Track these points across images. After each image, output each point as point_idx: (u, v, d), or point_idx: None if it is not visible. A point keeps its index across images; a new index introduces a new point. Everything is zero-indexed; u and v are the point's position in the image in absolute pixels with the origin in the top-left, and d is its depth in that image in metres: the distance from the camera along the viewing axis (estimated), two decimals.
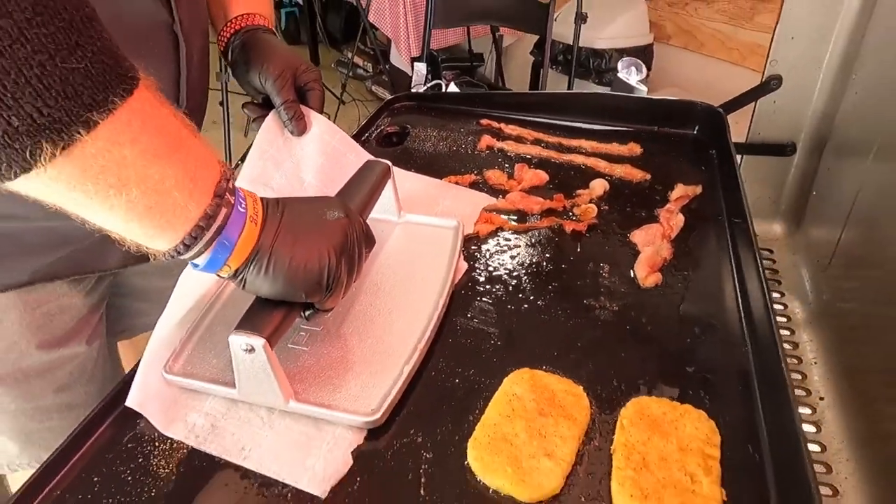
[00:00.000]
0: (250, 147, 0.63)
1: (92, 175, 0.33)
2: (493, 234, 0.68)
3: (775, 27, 0.83)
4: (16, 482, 0.87)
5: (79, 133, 0.32)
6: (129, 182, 0.34)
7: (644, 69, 1.08)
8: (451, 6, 1.93)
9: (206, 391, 0.48)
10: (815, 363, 0.73)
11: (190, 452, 0.44)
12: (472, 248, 0.66)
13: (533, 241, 0.67)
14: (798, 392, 0.69)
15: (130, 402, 0.46)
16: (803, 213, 0.92)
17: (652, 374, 0.49)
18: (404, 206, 0.67)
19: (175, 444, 0.45)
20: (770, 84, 0.86)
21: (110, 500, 0.41)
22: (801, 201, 0.92)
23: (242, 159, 2.14)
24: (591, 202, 0.73)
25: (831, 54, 0.82)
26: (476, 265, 0.63)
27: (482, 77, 2.82)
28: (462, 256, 0.63)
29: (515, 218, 0.71)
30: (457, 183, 0.77)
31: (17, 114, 0.30)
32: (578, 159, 0.82)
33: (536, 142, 0.87)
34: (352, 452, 0.44)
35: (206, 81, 0.69)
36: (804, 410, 0.67)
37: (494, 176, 0.78)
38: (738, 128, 0.93)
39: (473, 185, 0.77)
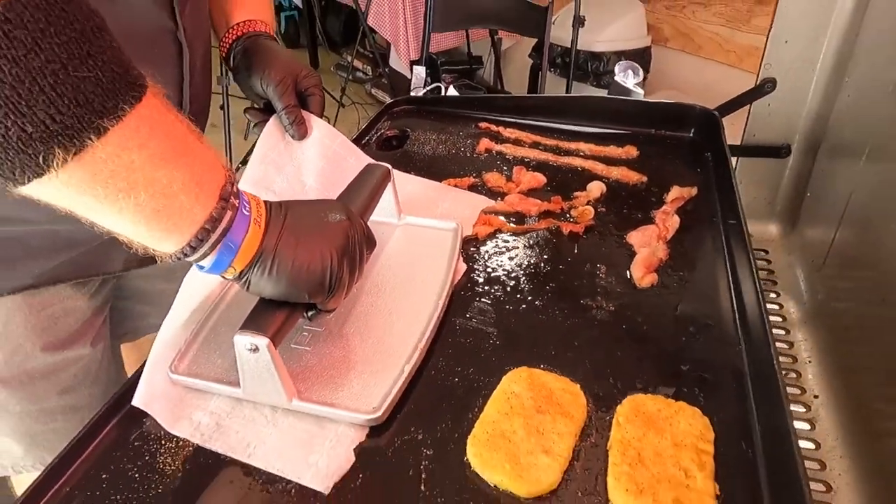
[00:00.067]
0: (251, 150, 0.64)
1: (102, 179, 0.34)
2: (492, 235, 0.69)
3: (769, 30, 0.85)
4: (20, 484, 0.87)
5: (90, 139, 0.33)
6: (137, 186, 0.36)
7: (641, 72, 1.09)
8: (450, 10, 1.94)
9: (210, 390, 0.49)
10: (810, 362, 0.74)
11: (195, 450, 0.45)
12: (471, 249, 0.67)
13: (531, 242, 0.68)
14: (793, 390, 0.70)
15: (137, 401, 0.47)
16: (798, 214, 0.93)
17: (647, 373, 0.50)
18: (404, 208, 0.68)
19: (181, 442, 0.46)
20: (764, 87, 0.87)
21: (118, 497, 0.42)
22: (795, 202, 0.93)
23: (243, 162, 2.15)
24: (588, 204, 0.74)
25: (824, 57, 0.83)
26: (475, 266, 0.64)
27: (481, 80, 2.84)
28: (461, 258, 0.64)
29: (514, 220, 0.72)
30: (456, 185, 0.78)
31: (31, 121, 0.31)
32: (576, 162, 0.83)
33: (534, 145, 0.88)
34: (354, 449, 0.45)
35: (208, 86, 0.70)
36: (799, 409, 0.68)
37: (493, 178, 0.80)
38: (734, 130, 0.94)
39: (472, 188, 0.78)
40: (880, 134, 0.71)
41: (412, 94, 1.72)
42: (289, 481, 0.43)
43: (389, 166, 0.63)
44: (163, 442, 0.46)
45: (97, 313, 0.70)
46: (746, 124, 0.93)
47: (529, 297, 0.60)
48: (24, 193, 0.34)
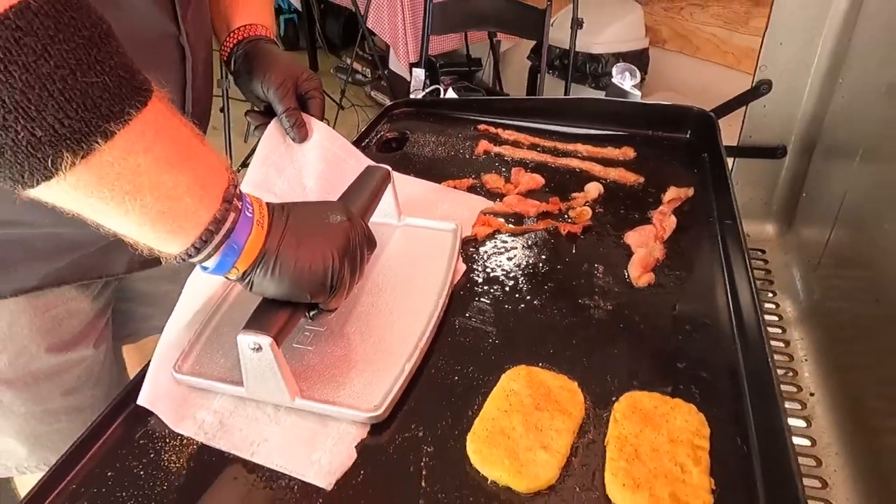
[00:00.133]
0: (251, 153, 0.65)
1: (108, 182, 0.35)
2: (491, 236, 0.70)
3: (764, 33, 0.86)
4: (23, 486, 0.88)
5: (97, 142, 0.33)
6: (143, 188, 0.36)
7: (638, 74, 1.10)
8: (448, 12, 1.95)
9: (214, 389, 0.50)
10: (806, 360, 0.75)
11: (200, 448, 0.46)
12: (471, 250, 0.68)
13: (529, 242, 0.69)
14: (789, 388, 0.71)
15: (142, 400, 0.48)
16: (794, 215, 0.94)
17: (644, 370, 0.51)
18: (404, 209, 0.69)
19: (185, 441, 0.47)
20: (760, 88, 0.88)
21: (124, 494, 0.43)
22: (791, 203, 0.94)
23: (244, 165, 2.16)
24: (585, 205, 0.74)
25: (819, 59, 0.84)
26: (474, 266, 0.65)
27: (480, 82, 2.85)
28: (461, 258, 0.65)
29: (512, 220, 0.73)
30: (455, 187, 0.79)
31: (40, 125, 0.32)
32: (574, 163, 0.84)
33: (533, 146, 0.89)
34: (356, 446, 0.45)
35: (210, 90, 0.71)
36: (795, 406, 0.69)
37: (492, 180, 0.80)
38: (732, 131, 0.95)
39: (471, 189, 0.79)
40: (873, 135, 0.72)
41: (411, 96, 1.72)
42: (292, 478, 0.43)
43: (389, 168, 0.64)
44: (167, 440, 0.47)
45: (100, 315, 0.71)
46: (743, 125, 0.94)
47: (528, 297, 0.60)
48: (32, 196, 0.35)
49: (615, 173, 0.81)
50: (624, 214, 0.73)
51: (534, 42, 2.17)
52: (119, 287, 0.76)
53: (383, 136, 0.93)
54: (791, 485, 0.39)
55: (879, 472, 0.59)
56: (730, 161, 0.94)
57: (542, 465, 0.43)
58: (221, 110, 2.21)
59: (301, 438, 0.46)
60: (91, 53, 0.33)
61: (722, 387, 0.50)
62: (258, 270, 0.44)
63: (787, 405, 0.69)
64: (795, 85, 0.87)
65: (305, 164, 0.67)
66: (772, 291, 0.86)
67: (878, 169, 0.70)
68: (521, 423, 0.46)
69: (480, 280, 0.63)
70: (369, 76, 3.06)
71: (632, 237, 0.68)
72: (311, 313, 0.49)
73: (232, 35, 0.68)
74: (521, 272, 0.64)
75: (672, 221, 0.70)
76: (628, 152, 0.85)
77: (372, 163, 0.66)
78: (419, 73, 1.89)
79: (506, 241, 0.69)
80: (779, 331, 0.80)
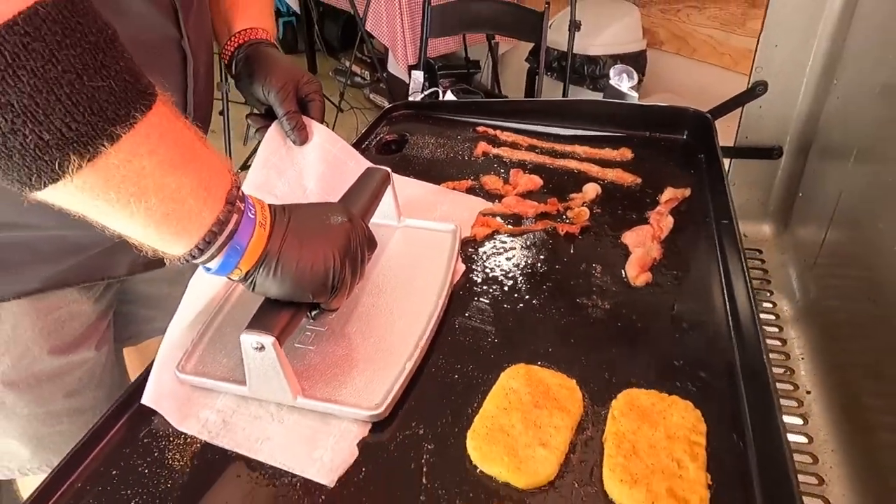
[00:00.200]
0: (251, 156, 0.66)
1: (114, 184, 0.36)
2: (490, 237, 0.71)
3: (759, 34, 0.86)
4: (26, 488, 0.88)
5: (103, 145, 0.34)
6: (147, 190, 0.37)
7: (635, 76, 1.10)
8: (447, 15, 1.96)
9: (217, 389, 0.50)
10: (803, 359, 0.75)
11: (203, 446, 0.47)
12: (470, 250, 0.68)
13: (528, 243, 0.70)
14: (786, 386, 0.72)
15: (146, 399, 0.48)
16: (790, 215, 0.94)
17: (642, 368, 0.52)
18: (404, 211, 0.69)
19: (189, 439, 0.47)
20: (756, 89, 0.89)
21: (129, 492, 0.43)
22: (788, 203, 0.95)
23: (243, 167, 2.16)
24: (583, 205, 0.75)
25: (813, 60, 0.85)
26: (473, 267, 0.66)
27: (479, 84, 2.86)
28: (460, 259, 0.65)
29: (511, 221, 0.74)
30: (454, 188, 0.80)
31: (47, 128, 0.32)
32: (571, 164, 0.85)
33: (531, 148, 0.90)
34: (357, 444, 0.46)
35: (211, 93, 0.71)
36: (792, 404, 0.70)
37: (490, 181, 0.81)
38: (730, 132, 0.96)
39: (470, 191, 0.80)
40: (867, 136, 0.73)
41: (410, 98, 1.73)
42: (294, 476, 0.44)
43: (389, 170, 0.64)
44: (171, 439, 0.47)
45: (102, 317, 0.72)
46: (739, 126, 0.95)
47: (527, 297, 0.61)
48: (39, 198, 0.36)
49: (613, 174, 0.81)
50: (621, 215, 0.74)
51: (532, 44, 2.18)
52: (121, 289, 0.77)
53: (382, 139, 0.94)
54: (786, 480, 0.39)
55: (875, 468, 0.59)
56: (726, 162, 0.95)
57: (541, 462, 0.43)
58: (221, 113, 2.21)
59: (303, 437, 0.47)
60: (97, 58, 0.33)
61: (718, 384, 0.51)
62: (261, 271, 0.44)
63: (784, 403, 0.70)
64: (791, 86, 0.88)
65: (306, 166, 0.68)
66: (769, 291, 0.87)
67: (873, 169, 0.71)
68: (520, 420, 0.46)
69: (480, 280, 0.64)
70: (368, 79, 3.07)
71: (629, 237, 0.69)
72: (313, 313, 0.49)
73: (233, 38, 0.69)
74: (519, 272, 0.65)
75: (669, 221, 0.71)
76: (626, 153, 0.86)
77: (372, 165, 0.66)
78: (418, 76, 1.89)
79: (504, 242, 0.70)
80: (776, 329, 0.81)
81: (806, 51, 0.85)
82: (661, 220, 0.71)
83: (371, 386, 0.49)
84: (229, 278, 0.45)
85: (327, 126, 0.70)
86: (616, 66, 1.12)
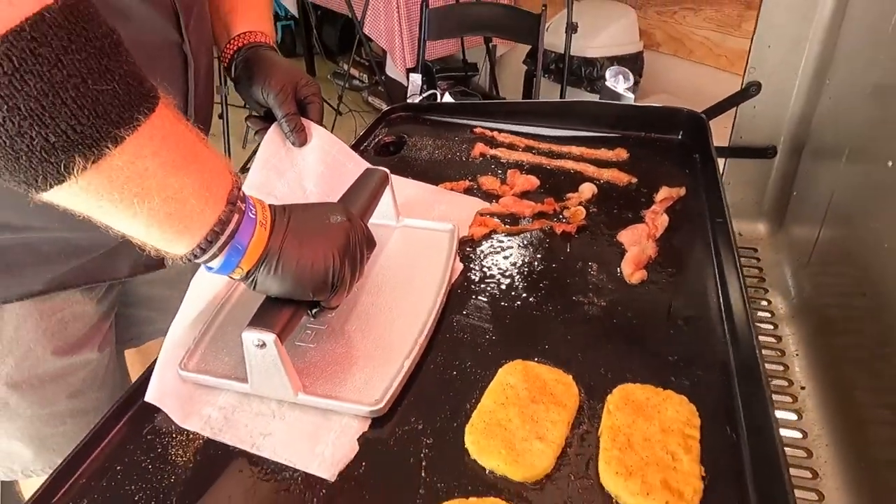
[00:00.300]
0: (250, 157, 0.67)
1: (118, 185, 0.37)
2: (487, 236, 0.72)
3: (753, 35, 0.87)
4: (28, 489, 0.89)
5: (108, 147, 0.35)
6: (151, 191, 0.38)
7: (631, 77, 1.12)
8: (444, 18, 1.97)
9: (219, 386, 0.51)
10: (797, 355, 0.76)
11: (206, 442, 0.47)
12: (468, 249, 0.69)
13: (525, 242, 0.71)
14: (781, 382, 0.73)
15: (149, 397, 0.49)
16: (785, 213, 0.95)
17: (637, 364, 0.53)
18: (402, 211, 0.70)
19: (191, 435, 0.48)
20: (750, 90, 0.90)
21: (133, 487, 0.44)
22: (782, 202, 0.96)
23: (243, 169, 2.17)
24: (580, 205, 0.76)
25: (806, 61, 0.86)
26: (471, 266, 0.66)
27: (476, 86, 2.87)
28: (458, 258, 0.66)
29: (508, 221, 0.75)
30: (452, 189, 0.81)
31: (53, 131, 0.33)
32: (568, 165, 0.86)
33: (528, 149, 0.91)
34: (358, 439, 0.47)
35: (211, 96, 0.72)
36: (786, 399, 0.71)
37: (488, 182, 0.82)
38: (725, 132, 0.97)
39: (468, 191, 0.81)
40: (859, 135, 0.74)
41: (408, 101, 1.74)
42: (295, 470, 0.45)
43: (387, 170, 0.65)
44: (174, 435, 0.48)
45: (104, 318, 0.72)
46: (733, 126, 0.96)
47: (524, 295, 0.62)
48: (45, 199, 0.36)
49: (608, 174, 0.82)
50: (617, 214, 0.75)
51: (529, 46, 2.19)
52: (122, 291, 0.77)
53: (381, 140, 0.95)
54: (778, 473, 0.40)
55: (868, 462, 0.60)
56: (721, 161, 0.96)
57: (537, 455, 0.44)
58: (220, 117, 2.22)
59: (304, 432, 0.47)
60: (102, 62, 0.34)
61: (712, 379, 0.51)
62: (261, 269, 0.45)
63: (779, 398, 0.71)
64: (784, 86, 0.89)
65: (305, 167, 0.69)
66: (764, 289, 0.88)
67: (864, 168, 0.72)
68: (517, 415, 0.47)
69: (477, 279, 0.64)
70: (366, 82, 3.08)
71: (625, 236, 0.70)
72: (313, 311, 0.50)
73: (232, 41, 0.70)
74: (516, 271, 0.66)
75: (664, 220, 0.72)
76: (621, 153, 0.87)
77: (370, 165, 0.67)
78: (416, 79, 1.91)
79: (502, 241, 0.71)
80: (771, 327, 0.81)
81: (798, 52, 0.86)
82: (657, 219, 0.72)
83: (371, 382, 0.50)
84: (231, 277, 0.46)
85: (326, 129, 0.70)
86: (612, 67, 1.13)
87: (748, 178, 0.98)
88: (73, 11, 0.33)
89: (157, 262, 0.70)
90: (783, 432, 0.65)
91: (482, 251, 0.69)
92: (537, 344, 0.55)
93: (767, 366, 0.63)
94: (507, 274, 0.65)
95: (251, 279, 0.46)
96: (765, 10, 0.85)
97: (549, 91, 2.27)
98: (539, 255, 0.68)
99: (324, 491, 0.43)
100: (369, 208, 0.60)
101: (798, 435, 0.66)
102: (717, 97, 0.94)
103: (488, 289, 0.63)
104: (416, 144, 0.93)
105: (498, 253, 0.69)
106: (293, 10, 3.54)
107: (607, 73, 1.13)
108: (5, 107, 0.31)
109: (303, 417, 0.49)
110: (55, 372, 0.67)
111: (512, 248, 0.70)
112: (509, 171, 0.84)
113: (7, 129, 0.32)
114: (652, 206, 0.75)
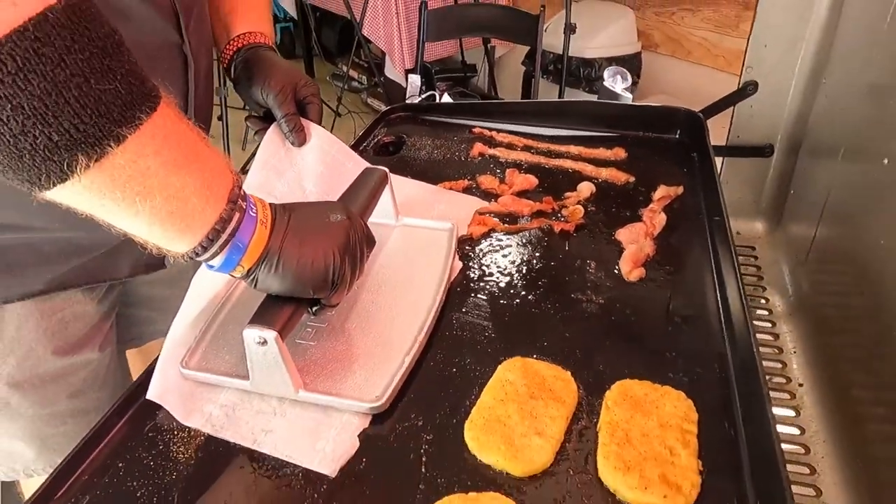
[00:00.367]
0: (249, 159, 0.67)
1: (120, 184, 0.37)
2: (486, 235, 0.72)
3: (749, 35, 0.88)
4: (28, 488, 0.89)
5: (110, 146, 0.35)
6: (152, 190, 0.38)
7: (629, 77, 1.12)
8: (443, 19, 1.98)
9: (221, 384, 0.51)
10: (795, 352, 0.77)
11: (207, 439, 0.48)
12: (467, 248, 0.70)
13: (523, 241, 0.71)
14: (779, 379, 0.73)
15: (151, 394, 0.49)
16: (782, 212, 0.96)
17: (635, 360, 0.53)
18: (401, 210, 0.70)
19: (193, 432, 0.48)
20: (747, 89, 0.90)
21: (135, 483, 0.44)
22: (779, 200, 0.96)
23: (243, 171, 2.18)
24: (578, 204, 0.76)
25: (802, 61, 0.86)
26: (470, 264, 0.67)
27: (475, 87, 2.88)
28: (457, 256, 0.67)
29: (507, 220, 0.75)
30: (451, 188, 0.81)
31: (56, 130, 0.33)
32: (566, 164, 0.86)
33: (526, 148, 0.91)
34: (358, 436, 0.47)
35: (210, 97, 0.73)
36: (784, 396, 0.71)
37: (487, 181, 0.82)
38: (722, 131, 0.97)
39: (467, 190, 0.81)
40: (855, 134, 0.74)
41: (407, 102, 1.75)
42: (296, 466, 0.45)
43: (387, 169, 0.66)
44: (175, 432, 0.48)
45: (105, 318, 0.72)
46: (731, 125, 0.96)
47: (523, 292, 0.62)
48: (47, 198, 0.37)
49: (606, 173, 0.83)
50: (615, 212, 0.75)
51: (528, 47, 2.20)
52: (124, 291, 0.77)
53: (380, 140, 0.95)
54: (775, 467, 0.40)
55: (865, 458, 0.61)
56: (719, 160, 0.96)
57: (536, 450, 0.44)
58: (219, 118, 2.23)
59: (305, 429, 0.48)
60: (104, 62, 0.35)
61: (710, 376, 0.52)
62: (262, 267, 0.45)
63: (777, 395, 0.71)
64: (780, 86, 0.89)
65: (305, 167, 0.69)
66: (762, 287, 0.88)
67: (860, 166, 0.72)
68: (516, 411, 0.47)
69: (476, 277, 0.65)
70: (365, 83, 3.08)
71: (623, 234, 0.70)
72: (314, 309, 0.50)
73: (232, 42, 0.70)
74: (515, 269, 0.66)
75: (662, 218, 0.72)
76: (620, 153, 0.87)
77: (370, 165, 0.67)
78: (415, 80, 1.91)
79: (501, 240, 0.71)
80: (769, 325, 0.82)
81: (795, 51, 0.86)
82: (654, 218, 0.72)
83: (371, 379, 0.50)
84: (231, 275, 0.46)
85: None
86: (610, 67, 1.14)
87: (746, 177, 0.98)
88: (76, 11, 0.33)
89: (157, 263, 0.71)
90: (781, 429, 0.65)
91: (481, 250, 0.69)
92: (536, 341, 0.56)
93: (765, 363, 0.64)
94: (505, 272, 0.65)
95: (252, 277, 0.46)
96: (761, 11, 0.86)
97: (547, 92, 2.28)
98: (538, 254, 0.68)
99: (324, 487, 0.44)
100: (369, 207, 0.60)
101: (796, 431, 0.67)
102: (715, 97, 0.94)
103: (487, 287, 0.63)
104: (416, 144, 0.94)
105: (497, 251, 0.69)
106: (292, 12, 3.54)
107: (605, 73, 1.14)
108: (9, 106, 0.32)
109: (303, 414, 0.49)
110: (56, 372, 0.67)
111: (511, 246, 0.70)
112: (508, 170, 0.84)
113: (11, 128, 0.32)
114: (650, 205, 0.75)
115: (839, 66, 0.81)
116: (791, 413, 0.68)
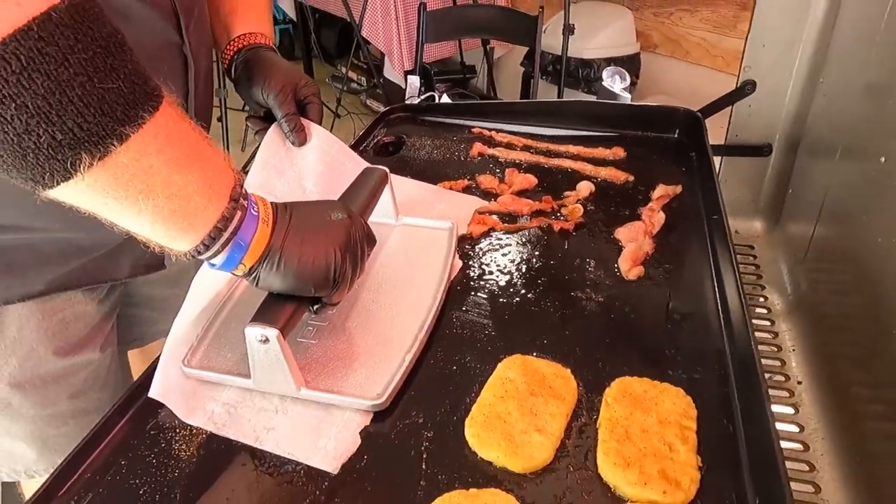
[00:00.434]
0: (249, 160, 0.68)
1: (123, 182, 0.37)
2: (486, 234, 0.72)
3: (747, 35, 0.88)
4: (29, 489, 0.89)
5: (113, 145, 0.36)
6: (155, 188, 0.38)
7: (627, 77, 1.12)
8: (442, 21, 1.98)
9: (222, 382, 0.52)
10: (794, 350, 0.77)
11: (209, 436, 0.48)
12: (466, 247, 0.70)
13: (523, 240, 0.71)
14: (778, 377, 0.73)
15: (153, 393, 0.49)
16: (781, 211, 0.96)
17: (634, 357, 0.53)
18: (401, 210, 0.71)
19: (195, 430, 0.49)
20: (745, 89, 0.91)
21: (137, 481, 0.45)
22: (778, 199, 0.96)
23: (242, 171, 2.18)
24: (577, 203, 0.77)
25: (800, 61, 0.87)
26: (470, 263, 0.67)
27: (474, 88, 2.88)
28: (457, 255, 0.67)
29: (507, 219, 0.75)
30: (451, 188, 0.82)
31: (60, 129, 0.34)
32: (565, 163, 0.86)
33: (525, 148, 0.92)
34: (360, 433, 0.47)
35: (210, 98, 0.73)
36: (783, 394, 0.71)
37: (486, 181, 0.83)
38: (721, 130, 0.97)
39: (466, 190, 0.82)
40: (852, 133, 0.75)
41: (407, 103, 1.75)
42: (298, 463, 0.45)
43: (387, 169, 0.66)
44: (177, 430, 0.48)
45: (106, 319, 0.73)
46: (729, 125, 0.96)
47: (522, 291, 0.63)
48: (51, 197, 0.37)
49: (606, 172, 0.83)
50: (614, 211, 0.76)
51: (527, 48, 2.20)
52: (124, 292, 0.78)
53: (380, 141, 0.96)
54: (774, 463, 0.41)
55: (863, 455, 0.61)
56: (718, 159, 0.97)
57: (536, 447, 0.45)
58: (219, 120, 2.23)
59: (307, 426, 0.48)
60: (107, 61, 0.35)
61: (709, 372, 0.52)
62: (264, 266, 0.46)
63: (776, 393, 0.71)
64: (778, 85, 0.89)
65: (305, 167, 0.69)
66: (761, 285, 0.89)
67: (858, 165, 0.73)
68: (516, 408, 0.48)
69: (476, 275, 0.65)
70: (365, 84, 3.09)
71: (622, 233, 0.70)
72: (315, 307, 0.51)
73: (232, 43, 0.71)
74: (515, 268, 0.66)
75: (661, 217, 0.73)
76: (619, 152, 0.88)
77: (370, 164, 0.68)
78: (414, 81, 1.91)
79: (500, 239, 0.71)
80: (767, 323, 0.82)
81: (792, 51, 0.87)
82: (653, 216, 0.72)
83: (372, 377, 0.51)
84: (233, 274, 0.46)
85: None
86: (609, 67, 1.14)
87: (744, 176, 0.99)
88: (80, 11, 0.34)
89: (157, 263, 0.71)
90: (780, 426, 0.66)
91: (481, 248, 0.70)
92: (536, 339, 0.56)
93: (764, 361, 0.64)
94: (505, 271, 0.66)
95: (254, 275, 0.46)
96: (759, 10, 0.86)
97: (546, 92, 2.28)
98: (537, 253, 0.69)
99: (326, 483, 0.44)
100: (369, 206, 0.60)
101: (795, 429, 0.67)
102: (713, 97, 0.95)
103: (487, 285, 0.64)
104: (415, 144, 0.94)
105: (496, 250, 0.69)
106: (291, 14, 3.55)
107: (604, 74, 1.14)
108: (13, 105, 0.32)
109: (305, 412, 0.49)
110: (57, 372, 0.67)
111: (510, 245, 0.70)
112: (507, 170, 0.84)
113: (15, 127, 0.33)
114: (649, 204, 0.76)
115: (836, 66, 0.82)
116: (790, 410, 0.69)
